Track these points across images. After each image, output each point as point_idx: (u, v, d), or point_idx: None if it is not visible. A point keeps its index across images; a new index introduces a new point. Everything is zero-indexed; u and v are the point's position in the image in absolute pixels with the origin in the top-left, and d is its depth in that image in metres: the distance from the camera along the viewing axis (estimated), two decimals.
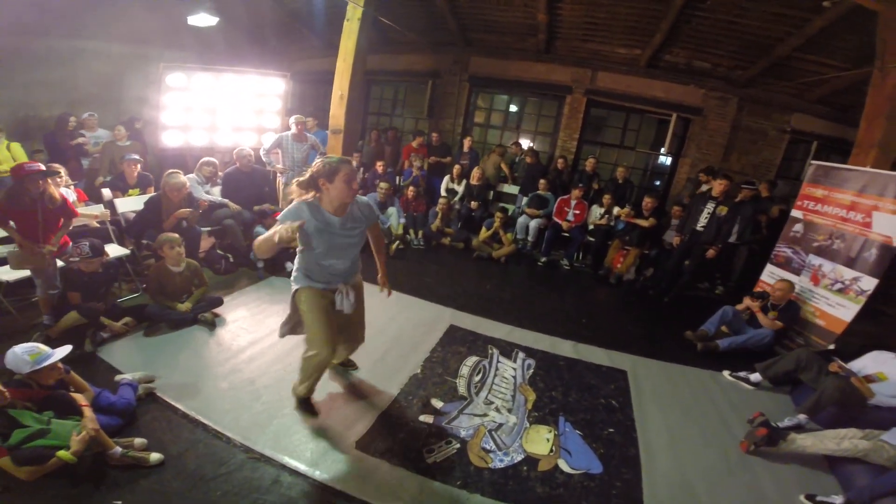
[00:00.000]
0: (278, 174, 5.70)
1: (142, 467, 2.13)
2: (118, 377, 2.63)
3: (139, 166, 4.77)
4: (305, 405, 2.70)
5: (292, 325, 2.62)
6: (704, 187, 6.39)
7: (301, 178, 2.28)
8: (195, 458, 2.26)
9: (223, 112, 5.86)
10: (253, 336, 3.42)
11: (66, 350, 2.22)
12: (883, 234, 3.80)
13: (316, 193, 2.26)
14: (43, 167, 3.15)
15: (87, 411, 2.10)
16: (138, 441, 2.24)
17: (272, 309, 3.87)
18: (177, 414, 2.54)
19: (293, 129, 5.50)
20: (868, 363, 3.26)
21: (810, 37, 5.41)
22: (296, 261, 2.50)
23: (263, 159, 5.48)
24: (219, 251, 4.67)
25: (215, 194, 4.92)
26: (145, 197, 4.38)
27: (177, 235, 3.54)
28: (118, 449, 2.11)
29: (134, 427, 2.40)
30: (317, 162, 2.27)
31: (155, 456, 2.17)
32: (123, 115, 6.72)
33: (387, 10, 6.34)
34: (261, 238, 2.27)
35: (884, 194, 3.85)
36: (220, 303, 3.71)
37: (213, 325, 3.47)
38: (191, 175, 4.71)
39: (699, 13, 5.74)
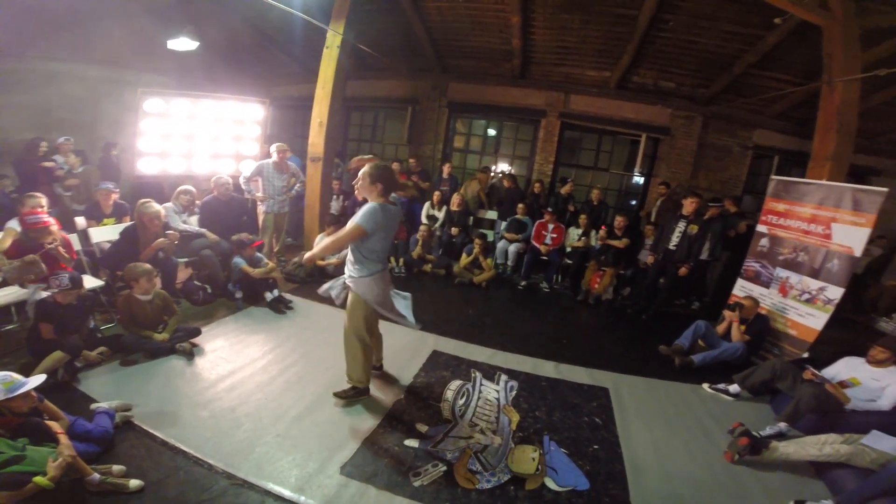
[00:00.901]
0: (258, 203, 5.66)
1: (121, 494, 2.12)
2: (94, 405, 2.60)
3: (114, 196, 4.69)
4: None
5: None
6: (659, 201, 6.68)
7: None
8: (176, 485, 2.23)
9: (201, 139, 5.83)
10: (232, 366, 3.37)
11: (39, 379, 2.20)
12: (843, 244, 3.98)
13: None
14: (45, 219, 3.36)
15: (63, 438, 2.09)
16: (116, 468, 2.21)
17: (251, 339, 3.83)
18: (155, 441, 2.51)
19: (274, 157, 5.45)
20: (841, 369, 3.37)
21: (765, 53, 5.76)
22: None
23: (243, 187, 5.43)
24: (196, 282, 4.59)
25: (192, 223, 4.85)
26: (121, 226, 4.29)
27: (151, 267, 3.50)
28: (96, 475, 2.10)
29: (112, 454, 2.37)
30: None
31: (134, 482, 2.16)
32: (98, 141, 6.62)
33: (365, 36, 6.50)
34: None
35: (840, 206, 4.06)
36: (197, 333, 3.65)
37: (191, 354, 3.41)
38: (168, 204, 4.65)
39: (662, 34, 6.07)
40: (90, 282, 3.81)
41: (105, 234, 4.35)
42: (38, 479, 1.89)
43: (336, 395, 3.07)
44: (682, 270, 5.11)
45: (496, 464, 2.63)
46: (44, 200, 3.82)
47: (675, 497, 2.53)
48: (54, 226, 3.57)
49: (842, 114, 4.45)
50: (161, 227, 4.11)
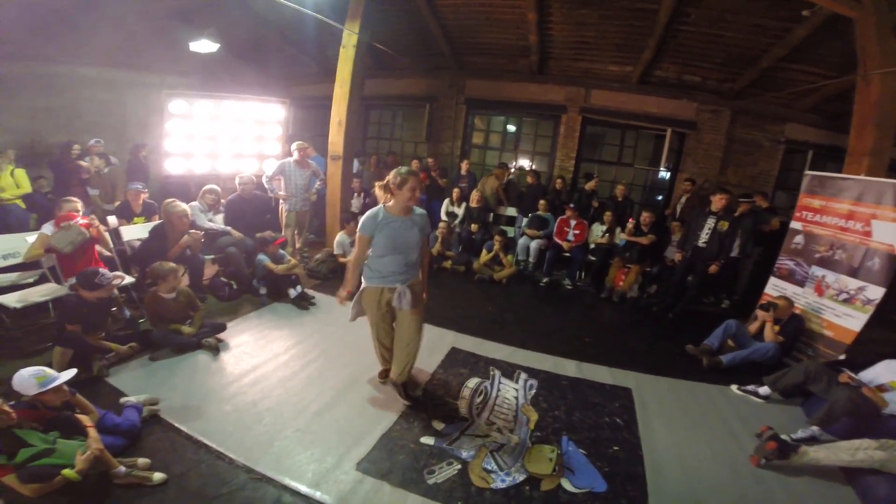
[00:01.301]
0: (281, 201, 5.77)
1: (145, 486, 2.18)
2: (123, 399, 2.68)
3: (143, 195, 4.85)
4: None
5: (357, 311, 3.04)
6: (684, 198, 6.50)
7: (381, 183, 2.83)
8: (198, 478, 2.28)
9: (224, 139, 5.96)
10: (256, 360, 3.43)
11: (70, 374, 2.29)
12: (884, 242, 3.77)
13: (388, 196, 2.80)
14: (81, 222, 3.56)
15: (92, 432, 2.16)
16: (142, 461, 2.28)
17: (275, 334, 3.90)
18: (180, 435, 2.57)
19: (295, 156, 5.55)
20: (881, 372, 3.18)
21: (794, 46, 5.52)
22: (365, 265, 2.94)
23: (266, 186, 5.55)
24: (222, 278, 4.71)
25: (218, 222, 4.98)
26: (150, 225, 4.45)
27: (176, 266, 3.60)
28: (122, 468, 2.16)
29: (138, 447, 2.44)
30: (392, 173, 2.78)
31: (158, 475, 2.22)
32: (127, 143, 6.86)
33: (382, 35, 6.52)
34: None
35: (881, 202, 3.84)
36: (223, 328, 3.75)
37: (216, 350, 3.49)
38: (193, 203, 4.78)
39: (684, 27, 5.89)
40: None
41: (135, 232, 4.51)
42: (66, 471, 1.96)
43: (411, 402, 3.09)
44: (713, 268, 4.96)
45: (512, 463, 2.60)
46: (79, 204, 3.99)
47: (697, 501, 2.45)
48: (89, 221, 3.73)
49: (880, 107, 4.22)
50: (188, 226, 4.23)
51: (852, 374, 3.14)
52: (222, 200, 5.16)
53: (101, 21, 6.17)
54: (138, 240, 4.42)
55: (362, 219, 2.78)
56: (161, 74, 7.38)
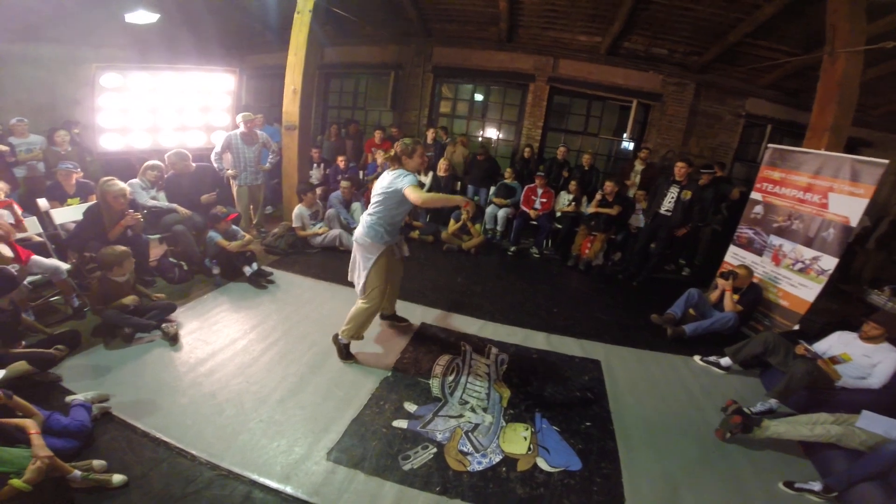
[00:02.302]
0: (231, 178, 5.36)
1: (106, 490, 2.04)
2: (69, 398, 2.45)
3: (76, 175, 4.39)
4: (348, 351, 3.22)
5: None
6: (639, 166, 6.58)
7: (389, 155, 3.04)
8: (161, 478, 2.14)
9: (166, 112, 5.49)
10: (212, 347, 3.21)
11: None
12: (839, 214, 3.90)
13: (396, 166, 3.00)
14: None
15: (36, 438, 1.96)
16: (97, 463, 2.12)
17: (231, 317, 3.67)
18: (136, 433, 2.39)
19: (242, 128, 5.15)
20: (834, 343, 3.28)
21: (761, 23, 5.55)
22: (378, 226, 2.99)
23: (215, 165, 5.11)
24: (171, 259, 4.38)
25: (162, 199, 4.58)
26: (85, 206, 4.02)
27: (125, 248, 3.28)
28: (77, 472, 2.00)
29: (92, 449, 2.25)
30: (398, 144, 3.00)
31: (118, 477, 2.07)
32: (59, 120, 6.26)
33: (344, 0, 6.13)
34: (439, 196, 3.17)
35: (838, 176, 3.94)
36: (172, 308, 3.51)
37: (174, 339, 3.23)
38: (134, 181, 4.38)
39: (655, 0, 5.79)
40: (59, 264, 3.56)
41: (69, 214, 4.09)
42: (13, 481, 1.79)
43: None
44: (680, 231, 5.10)
45: (487, 444, 2.56)
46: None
47: (667, 476, 2.49)
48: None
49: (843, 85, 4.30)
50: (126, 205, 3.86)
51: (808, 346, 3.23)
52: (166, 176, 4.75)
53: None
54: (73, 222, 4.02)
55: (412, 177, 2.88)
56: (95, 48, 6.72)
